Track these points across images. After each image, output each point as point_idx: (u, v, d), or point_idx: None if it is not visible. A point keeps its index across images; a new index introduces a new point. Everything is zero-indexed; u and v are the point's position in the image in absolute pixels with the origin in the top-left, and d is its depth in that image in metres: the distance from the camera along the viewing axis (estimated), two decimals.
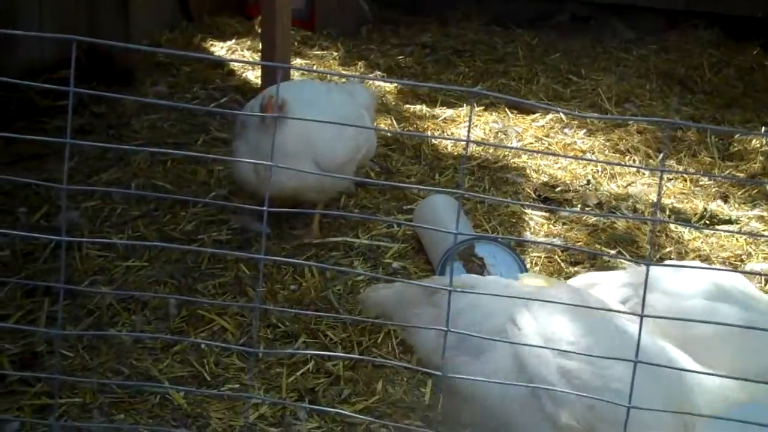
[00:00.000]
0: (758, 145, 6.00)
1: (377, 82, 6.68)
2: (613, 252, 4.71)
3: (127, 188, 5.00)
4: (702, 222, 5.15)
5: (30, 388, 3.62)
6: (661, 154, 5.88)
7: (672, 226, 5.00)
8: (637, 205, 5.28)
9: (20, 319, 3.98)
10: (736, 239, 4.95)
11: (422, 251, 4.62)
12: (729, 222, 5.20)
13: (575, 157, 5.81)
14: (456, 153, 5.77)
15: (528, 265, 4.44)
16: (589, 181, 5.49)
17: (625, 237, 4.88)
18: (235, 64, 6.89)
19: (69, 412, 3.52)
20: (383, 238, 4.75)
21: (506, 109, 6.44)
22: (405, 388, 3.77)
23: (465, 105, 6.43)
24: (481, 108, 6.41)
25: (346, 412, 3.54)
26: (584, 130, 6.19)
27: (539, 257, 4.65)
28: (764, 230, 5.12)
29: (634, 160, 5.81)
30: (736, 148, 6.05)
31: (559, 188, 5.41)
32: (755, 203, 5.42)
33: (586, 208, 5.22)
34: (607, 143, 6.04)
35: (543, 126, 6.22)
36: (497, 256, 4.32)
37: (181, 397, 3.63)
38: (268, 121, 4.34)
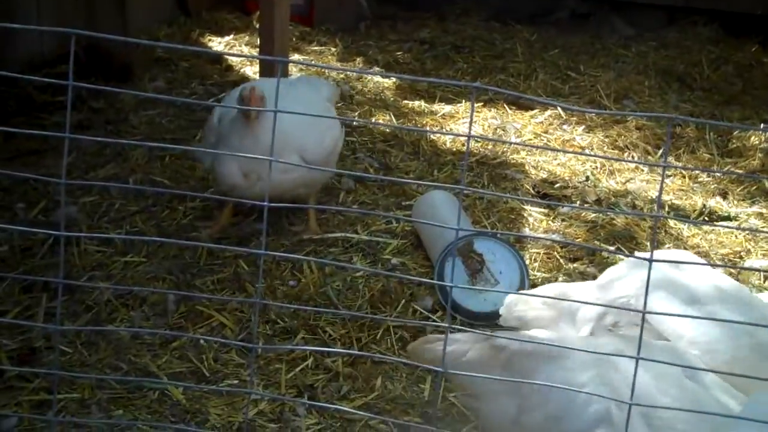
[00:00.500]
0: (757, 142, 5.99)
1: (376, 78, 6.67)
2: (612, 248, 4.71)
3: (125, 184, 4.99)
4: (701, 219, 5.15)
5: (28, 383, 3.62)
6: (662, 149, 5.88)
7: (671, 223, 4.99)
8: (636, 202, 5.28)
9: (18, 314, 3.97)
10: (735, 236, 4.95)
11: (421, 247, 4.62)
12: (728, 219, 5.20)
13: (575, 152, 5.79)
14: (455, 149, 5.76)
15: (527, 262, 4.44)
16: (588, 178, 5.49)
17: (624, 233, 4.88)
18: (234, 59, 6.88)
19: (67, 408, 3.52)
20: (382, 234, 4.74)
21: (505, 106, 6.43)
22: (404, 384, 3.76)
23: (464, 101, 6.42)
24: (480, 104, 6.40)
25: (345, 408, 3.53)
26: (583, 126, 6.18)
27: (538, 253, 4.65)
28: (763, 227, 5.12)
29: (633, 157, 5.81)
30: (734, 145, 6.04)
31: (558, 184, 5.41)
32: (754, 200, 5.41)
33: (585, 205, 5.22)
34: (606, 139, 6.04)
35: (542, 122, 6.21)
36: (496, 253, 4.31)
37: (180, 392, 3.62)
38: (253, 115, 4.18)
